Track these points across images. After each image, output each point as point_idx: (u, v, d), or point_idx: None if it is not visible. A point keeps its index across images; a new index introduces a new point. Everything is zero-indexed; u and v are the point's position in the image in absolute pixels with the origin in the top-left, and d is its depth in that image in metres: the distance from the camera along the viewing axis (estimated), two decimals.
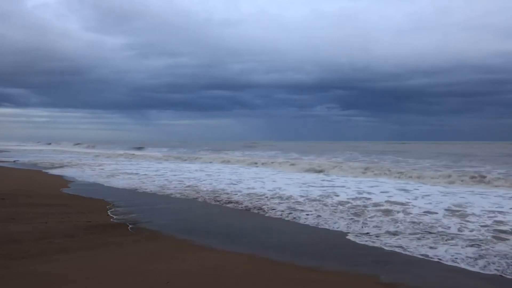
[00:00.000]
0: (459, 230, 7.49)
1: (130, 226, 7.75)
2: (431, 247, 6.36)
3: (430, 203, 10.45)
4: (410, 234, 7.22)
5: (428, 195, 11.97)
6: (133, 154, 41.45)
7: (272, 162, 25.77)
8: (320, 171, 20.42)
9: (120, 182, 15.56)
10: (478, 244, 6.49)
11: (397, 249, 6.31)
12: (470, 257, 5.84)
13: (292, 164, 23.81)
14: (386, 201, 10.69)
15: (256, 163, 26.34)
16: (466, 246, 6.39)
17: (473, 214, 8.97)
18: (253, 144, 74.15)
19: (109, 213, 9.02)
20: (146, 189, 13.54)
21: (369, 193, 12.33)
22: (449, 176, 16.16)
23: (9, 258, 5.40)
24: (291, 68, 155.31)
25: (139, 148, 58.12)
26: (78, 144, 76.40)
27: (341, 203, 10.39)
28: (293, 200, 10.97)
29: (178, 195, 12.16)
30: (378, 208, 9.69)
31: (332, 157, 31.60)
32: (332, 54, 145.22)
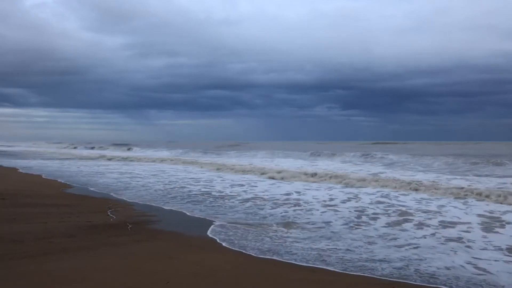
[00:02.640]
0: None
1: (130, 226, 7.75)
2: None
3: None
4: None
5: None
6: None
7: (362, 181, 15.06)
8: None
9: None
10: None
11: None
12: None
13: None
14: None
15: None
16: None
17: None
18: (243, 144, 72.65)
19: (109, 213, 9.02)
20: None
21: None
22: None
23: (9, 258, 5.41)
24: (291, 68, 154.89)
25: (129, 149, 56.82)
26: (72, 144, 75.95)
27: None
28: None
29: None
30: None
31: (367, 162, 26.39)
32: (332, 54, 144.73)
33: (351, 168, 21.17)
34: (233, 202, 10.96)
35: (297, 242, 6.73)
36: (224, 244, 6.59)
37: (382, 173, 18.12)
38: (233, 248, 6.35)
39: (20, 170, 21.21)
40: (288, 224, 8.08)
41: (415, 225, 8.06)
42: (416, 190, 12.72)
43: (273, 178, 17.33)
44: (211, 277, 4.90)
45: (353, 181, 14.90)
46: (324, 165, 23.92)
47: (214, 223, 8.19)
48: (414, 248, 6.37)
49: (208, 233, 7.34)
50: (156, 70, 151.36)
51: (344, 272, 5.29)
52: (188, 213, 9.30)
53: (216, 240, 6.85)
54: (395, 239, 6.95)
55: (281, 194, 12.38)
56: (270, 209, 9.90)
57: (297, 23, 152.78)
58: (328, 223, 8.23)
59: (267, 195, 12.17)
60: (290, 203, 10.71)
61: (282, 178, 17.09)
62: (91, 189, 13.46)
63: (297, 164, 24.35)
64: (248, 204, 10.65)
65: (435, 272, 5.25)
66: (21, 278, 4.70)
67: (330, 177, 16.18)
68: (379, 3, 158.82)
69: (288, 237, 7.09)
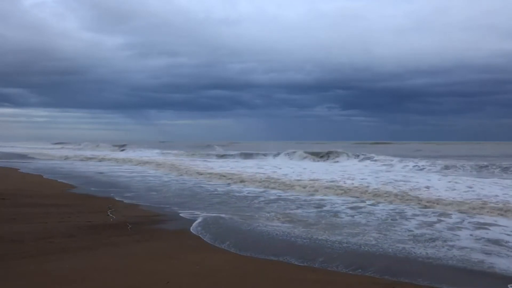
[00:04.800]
0: None
1: (130, 226, 7.75)
2: None
3: None
4: None
5: None
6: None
7: None
8: None
9: None
10: None
11: None
12: None
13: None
14: None
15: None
16: None
17: None
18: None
19: (109, 213, 9.02)
20: None
21: None
22: None
23: (9, 258, 5.41)
24: (291, 68, 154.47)
25: (122, 150, 56.11)
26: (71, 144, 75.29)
27: None
28: None
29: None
30: None
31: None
32: (332, 54, 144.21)
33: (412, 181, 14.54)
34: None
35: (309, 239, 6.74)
36: (224, 244, 6.59)
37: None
38: (233, 248, 6.35)
39: (21, 170, 21.22)
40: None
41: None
42: None
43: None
44: (211, 277, 4.90)
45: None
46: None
47: (211, 222, 8.20)
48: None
49: (208, 232, 7.34)
50: (156, 70, 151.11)
51: (344, 271, 5.29)
52: (186, 212, 9.29)
53: (216, 240, 6.85)
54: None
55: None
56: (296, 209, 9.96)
57: (297, 23, 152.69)
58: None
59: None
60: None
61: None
62: (92, 189, 13.46)
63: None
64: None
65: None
66: (21, 278, 4.70)
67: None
68: (379, 3, 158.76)
69: (294, 234, 7.10)
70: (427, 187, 12.73)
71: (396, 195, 11.41)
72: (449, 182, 13.91)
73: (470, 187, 12.51)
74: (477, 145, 66.32)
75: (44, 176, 17.84)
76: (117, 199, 11.27)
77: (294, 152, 31.18)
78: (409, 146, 64.43)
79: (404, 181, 14.47)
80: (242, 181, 15.51)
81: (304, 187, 13.38)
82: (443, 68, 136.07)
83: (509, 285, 4.82)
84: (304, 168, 21.12)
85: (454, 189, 12.21)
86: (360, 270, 5.31)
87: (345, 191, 12.37)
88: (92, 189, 13.44)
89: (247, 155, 32.98)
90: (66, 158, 33.77)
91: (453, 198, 10.58)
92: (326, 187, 13.13)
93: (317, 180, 14.89)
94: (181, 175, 18.82)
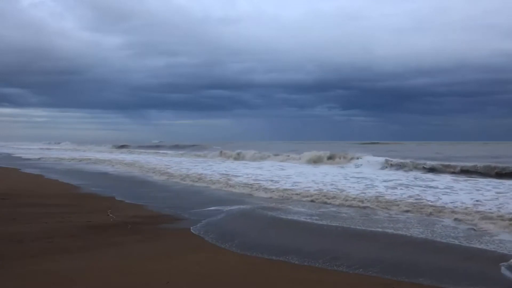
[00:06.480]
0: None
1: (130, 226, 7.74)
2: None
3: None
4: None
5: None
6: None
7: None
8: None
9: None
10: None
11: None
12: None
13: None
14: None
15: None
16: None
17: None
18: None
19: (109, 213, 9.00)
20: None
21: None
22: None
23: (9, 258, 5.40)
24: (291, 68, 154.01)
25: (122, 148, 56.28)
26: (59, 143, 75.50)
27: None
28: None
29: None
30: None
31: None
32: (332, 54, 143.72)
33: None
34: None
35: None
36: (224, 244, 6.58)
37: None
38: (233, 248, 6.34)
39: (22, 170, 21.23)
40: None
41: None
42: None
43: None
44: (211, 277, 4.89)
45: None
46: None
47: (210, 222, 8.19)
48: None
49: (209, 232, 7.33)
50: (155, 70, 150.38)
51: (345, 271, 5.28)
52: (187, 211, 9.29)
53: (216, 240, 6.83)
54: None
55: None
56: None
57: (296, 22, 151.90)
58: None
59: None
60: None
61: None
62: (92, 189, 13.46)
63: None
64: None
65: None
66: (21, 278, 4.70)
67: None
68: (379, 2, 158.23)
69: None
70: (447, 191, 12.03)
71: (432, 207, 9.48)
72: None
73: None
74: (478, 145, 66.19)
75: (44, 177, 17.84)
76: (117, 199, 11.28)
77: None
78: (409, 146, 64.35)
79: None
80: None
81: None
82: (443, 68, 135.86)
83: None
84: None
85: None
86: (361, 270, 5.30)
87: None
88: (93, 189, 13.44)
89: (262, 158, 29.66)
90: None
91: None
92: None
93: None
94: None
